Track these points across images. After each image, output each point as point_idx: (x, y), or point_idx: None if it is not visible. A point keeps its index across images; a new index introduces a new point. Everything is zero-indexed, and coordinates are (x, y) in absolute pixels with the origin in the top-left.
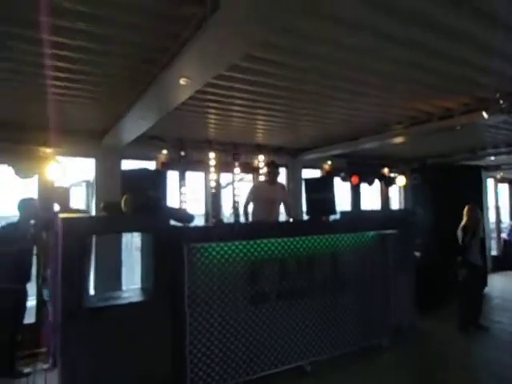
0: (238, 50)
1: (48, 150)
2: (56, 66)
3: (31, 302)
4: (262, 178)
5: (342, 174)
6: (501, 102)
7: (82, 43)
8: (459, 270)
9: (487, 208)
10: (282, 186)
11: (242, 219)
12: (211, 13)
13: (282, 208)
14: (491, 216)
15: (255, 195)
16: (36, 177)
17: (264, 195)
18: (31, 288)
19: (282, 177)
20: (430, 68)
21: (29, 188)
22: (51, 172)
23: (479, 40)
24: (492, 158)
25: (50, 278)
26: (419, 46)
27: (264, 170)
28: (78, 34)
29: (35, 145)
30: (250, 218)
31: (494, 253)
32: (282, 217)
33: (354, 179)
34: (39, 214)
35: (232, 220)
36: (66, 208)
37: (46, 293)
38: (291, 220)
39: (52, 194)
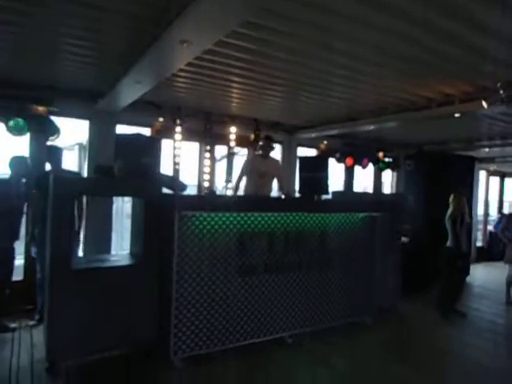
0: (240, 13)
1: (41, 108)
2: (54, 19)
3: (19, 261)
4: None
5: (337, 155)
6: (501, 91)
7: None
8: (454, 259)
9: (477, 200)
10: (275, 160)
11: (231, 193)
12: None
13: (274, 184)
14: (480, 208)
15: (248, 169)
16: (28, 135)
17: (256, 168)
18: (19, 246)
19: (278, 153)
20: (433, 49)
21: (21, 146)
22: (44, 130)
23: (488, 25)
24: (486, 149)
25: (38, 235)
26: (425, 24)
27: (260, 143)
28: None
29: (28, 102)
30: (240, 193)
31: (479, 244)
32: (275, 193)
33: (349, 161)
34: (30, 172)
35: (224, 193)
36: (57, 168)
37: (33, 250)
38: (283, 196)
39: (44, 153)
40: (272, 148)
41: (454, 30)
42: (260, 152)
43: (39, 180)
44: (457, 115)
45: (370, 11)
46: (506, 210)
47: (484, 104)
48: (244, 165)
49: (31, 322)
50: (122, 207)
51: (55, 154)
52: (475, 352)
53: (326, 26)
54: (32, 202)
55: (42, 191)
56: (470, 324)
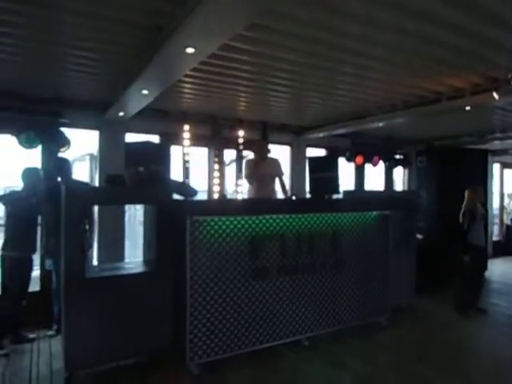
0: (243, 17)
1: (52, 121)
2: (61, 31)
3: (36, 272)
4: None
5: (347, 154)
6: None
7: (85, 7)
8: (462, 256)
9: (492, 193)
10: (275, 160)
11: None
12: None
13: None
14: (495, 201)
15: (248, 173)
16: (39, 147)
17: (254, 172)
18: (36, 257)
19: (287, 155)
20: (442, 41)
21: (32, 159)
22: (55, 143)
23: (497, 15)
24: (498, 142)
25: (52, 246)
26: (431, 17)
27: (254, 148)
28: None
29: (39, 115)
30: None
31: (495, 238)
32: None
33: (359, 159)
34: (43, 183)
35: (235, 196)
36: (67, 179)
37: (48, 263)
38: (293, 197)
39: (55, 165)
40: (268, 151)
41: (461, 22)
42: (255, 156)
43: (50, 192)
44: (468, 108)
45: (376, 9)
46: None
47: (495, 95)
48: (247, 166)
49: (49, 332)
50: (135, 214)
51: (64, 165)
52: (497, 349)
53: (332, 26)
54: (45, 214)
55: (54, 203)
56: (490, 320)
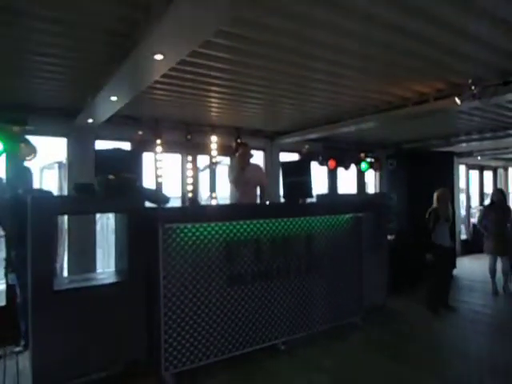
0: (211, 24)
1: (17, 128)
2: (25, 37)
3: (1, 286)
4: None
5: (320, 158)
6: (473, 87)
7: (52, 13)
8: (426, 254)
9: (458, 193)
10: (258, 167)
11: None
12: None
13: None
14: (462, 201)
15: (231, 177)
16: (3, 156)
17: (238, 176)
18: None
19: (260, 160)
20: (405, 50)
21: None
22: (20, 151)
23: (454, 24)
24: (464, 144)
25: (15, 259)
26: (396, 27)
27: (238, 152)
28: (47, 3)
29: (2, 122)
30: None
31: (463, 237)
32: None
33: (331, 163)
34: (7, 193)
35: (209, 203)
36: (28, 189)
37: (11, 277)
38: (267, 202)
39: (17, 174)
40: (251, 155)
41: (424, 32)
42: (240, 160)
43: (12, 202)
44: (432, 112)
45: (346, 19)
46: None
47: (457, 100)
48: (228, 174)
49: (17, 349)
50: (107, 223)
51: (24, 174)
52: (466, 345)
53: (301, 34)
54: (6, 226)
55: (16, 214)
56: (460, 317)
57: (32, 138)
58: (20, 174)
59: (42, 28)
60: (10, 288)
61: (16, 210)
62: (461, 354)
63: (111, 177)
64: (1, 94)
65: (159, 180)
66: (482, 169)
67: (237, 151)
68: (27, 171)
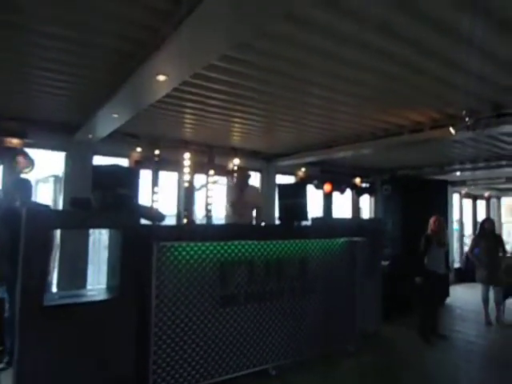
0: (216, 49)
1: (15, 141)
2: (30, 52)
3: None
4: (232, 183)
5: (316, 182)
6: (467, 119)
7: (58, 30)
8: (416, 278)
9: (452, 222)
10: (255, 189)
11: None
12: (189, 11)
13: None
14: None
15: (229, 198)
16: (0, 168)
17: (236, 198)
18: None
19: (256, 181)
20: (402, 80)
21: None
22: (17, 164)
23: (448, 56)
24: (458, 173)
25: (6, 272)
26: (391, 56)
27: (235, 175)
28: (53, 21)
29: (1, 134)
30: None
31: (456, 265)
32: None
33: (327, 187)
34: (2, 206)
35: (204, 222)
36: (26, 201)
37: (1, 290)
38: (262, 224)
39: (14, 186)
40: (248, 177)
41: (419, 63)
42: (238, 183)
43: (5, 214)
44: (427, 141)
45: (343, 46)
46: None
47: (452, 130)
48: (226, 195)
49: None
50: (100, 239)
51: (24, 186)
52: (459, 373)
53: (302, 61)
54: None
55: (10, 226)
56: (452, 346)
57: (29, 151)
58: (19, 186)
59: (48, 45)
60: None
61: (11, 222)
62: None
63: (107, 192)
64: (1, 106)
65: (155, 198)
66: (475, 198)
67: (234, 173)
68: (27, 183)
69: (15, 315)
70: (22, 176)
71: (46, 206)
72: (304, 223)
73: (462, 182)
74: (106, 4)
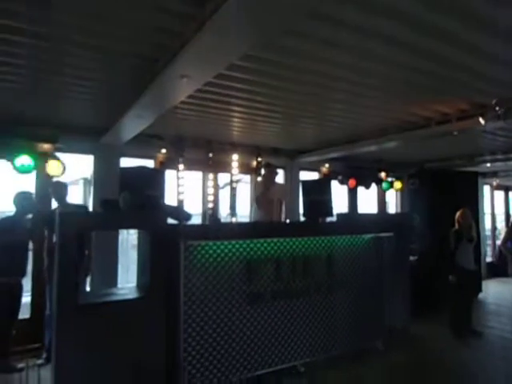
0: (238, 50)
1: (47, 146)
2: (57, 61)
3: (26, 298)
4: (259, 180)
5: (340, 177)
6: (497, 108)
7: (82, 39)
8: (449, 276)
9: (483, 214)
10: (282, 186)
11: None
12: (211, 13)
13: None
14: (487, 223)
15: (256, 196)
16: (34, 172)
17: (263, 195)
18: (27, 283)
19: (280, 178)
20: (428, 71)
21: (26, 183)
22: (50, 167)
23: (478, 46)
24: (488, 164)
25: (46, 273)
26: (419, 49)
27: (262, 172)
28: (78, 30)
29: (34, 140)
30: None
31: (489, 259)
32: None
33: (352, 182)
34: (36, 208)
35: (229, 220)
36: (63, 203)
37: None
38: (288, 221)
39: (50, 189)
40: (276, 173)
41: (446, 53)
42: (265, 180)
43: (48, 217)
44: (455, 133)
45: (370, 41)
46: None
47: (481, 121)
48: (255, 192)
49: (39, 361)
50: (127, 238)
51: (60, 189)
52: (492, 373)
53: (326, 58)
54: (38, 239)
55: (52, 228)
56: (486, 343)
57: (60, 155)
58: (57, 188)
59: (80, 53)
60: (36, 300)
61: (51, 225)
62: (489, 382)
63: (135, 193)
64: (34, 112)
65: (181, 197)
66: (507, 189)
67: (258, 169)
68: (63, 186)
69: (53, 313)
70: (58, 179)
71: (84, 207)
72: (329, 219)
73: (493, 174)
74: (135, 14)
